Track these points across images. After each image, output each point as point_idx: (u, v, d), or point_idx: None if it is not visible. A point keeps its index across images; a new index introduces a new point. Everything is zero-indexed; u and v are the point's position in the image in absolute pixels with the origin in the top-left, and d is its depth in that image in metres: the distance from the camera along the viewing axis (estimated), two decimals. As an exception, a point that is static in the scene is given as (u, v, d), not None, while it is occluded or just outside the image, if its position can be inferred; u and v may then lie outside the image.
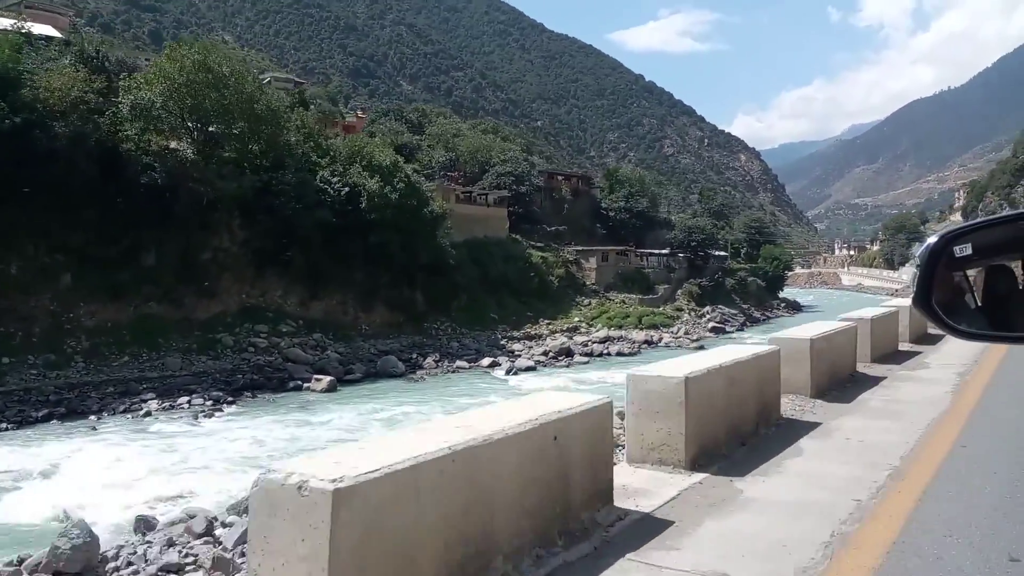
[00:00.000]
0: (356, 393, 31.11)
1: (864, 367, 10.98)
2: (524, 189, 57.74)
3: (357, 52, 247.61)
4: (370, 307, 41.10)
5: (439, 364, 37.75)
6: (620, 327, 51.87)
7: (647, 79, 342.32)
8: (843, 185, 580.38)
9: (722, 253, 73.36)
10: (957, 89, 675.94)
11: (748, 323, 64.23)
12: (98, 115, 31.98)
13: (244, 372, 32.35)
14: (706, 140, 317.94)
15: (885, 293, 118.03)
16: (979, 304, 1.60)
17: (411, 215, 41.95)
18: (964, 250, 1.53)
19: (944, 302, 1.56)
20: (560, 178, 68.14)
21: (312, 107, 72.55)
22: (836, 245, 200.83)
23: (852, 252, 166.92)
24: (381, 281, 41.28)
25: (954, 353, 12.16)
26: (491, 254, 51.35)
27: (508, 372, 36.12)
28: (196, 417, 26.09)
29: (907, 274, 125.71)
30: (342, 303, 40.11)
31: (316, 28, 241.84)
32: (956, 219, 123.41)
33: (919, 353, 12.77)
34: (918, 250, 1.61)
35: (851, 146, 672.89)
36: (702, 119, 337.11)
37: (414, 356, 38.36)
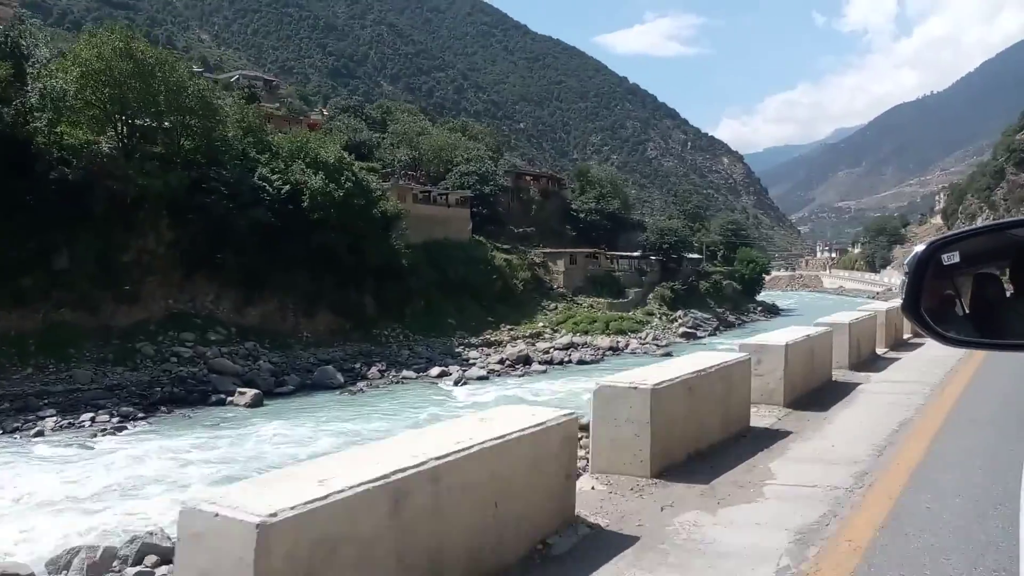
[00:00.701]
0: (283, 408, 28.55)
1: (841, 374, 10.78)
2: (488, 189, 55.31)
3: (337, 52, 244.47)
4: (313, 313, 38.53)
5: (384, 374, 35.25)
6: (586, 332, 49.59)
7: (631, 81, 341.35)
8: (827, 188, 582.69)
9: (696, 256, 71.30)
10: (940, 94, 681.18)
11: (722, 327, 62.10)
12: (2, 104, 29.24)
13: (163, 385, 29.68)
14: (689, 143, 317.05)
15: (866, 296, 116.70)
16: (967, 311, 1.60)
17: (359, 215, 39.44)
18: (952, 258, 1.53)
19: (933, 309, 1.56)
20: (529, 178, 65.79)
21: (280, 104, 70.11)
22: (818, 248, 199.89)
23: (834, 255, 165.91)
24: (325, 285, 38.72)
25: (931, 360, 11.91)
26: (451, 256, 48.88)
27: (457, 383, 33.67)
28: (95, 436, 23.52)
29: (888, 277, 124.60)
30: (281, 309, 37.52)
31: (295, 27, 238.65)
32: (936, 222, 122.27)
33: (897, 359, 12.52)
34: (907, 258, 1.59)
35: (835, 150, 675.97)
36: (686, 122, 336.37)
37: (358, 366, 35.81)
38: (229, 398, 29.03)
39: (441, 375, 34.98)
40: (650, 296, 61.50)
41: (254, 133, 38.96)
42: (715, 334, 58.16)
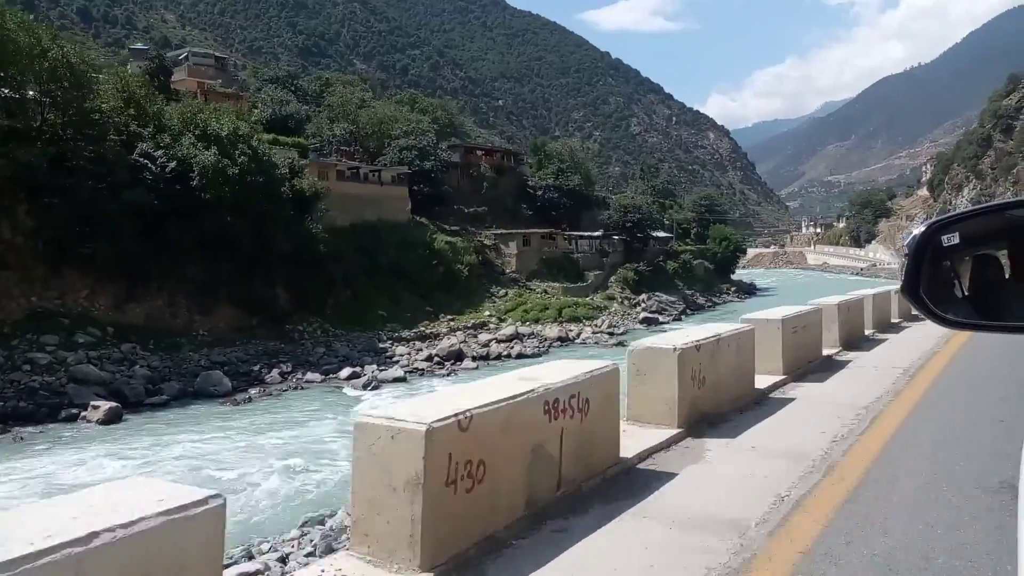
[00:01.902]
0: (143, 424, 24.09)
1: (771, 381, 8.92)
2: (430, 165, 50.46)
3: (307, 30, 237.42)
4: (210, 308, 33.89)
5: (287, 378, 30.76)
6: (537, 321, 45.21)
7: (614, 56, 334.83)
8: (816, 163, 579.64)
9: (665, 234, 66.88)
10: (927, 65, 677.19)
11: (689, 311, 57.88)
12: None
13: (7, 398, 25.08)
14: (674, 118, 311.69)
15: (851, 272, 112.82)
16: (966, 293, 1.59)
17: (263, 194, 34.67)
18: (951, 240, 1.53)
19: (932, 291, 1.56)
20: (480, 153, 60.83)
21: (233, 83, 64.44)
22: (804, 223, 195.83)
23: (819, 230, 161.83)
24: (224, 275, 34.06)
25: (884, 361, 10.74)
26: (383, 240, 44.23)
27: (366, 386, 29.17)
28: None
29: (873, 252, 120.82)
30: (171, 304, 32.85)
31: (264, 5, 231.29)
32: (923, 194, 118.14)
33: (848, 362, 10.73)
34: (906, 240, 1.61)
35: (824, 124, 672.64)
36: (670, 97, 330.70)
37: (258, 368, 31.30)
38: (83, 412, 24.54)
39: (352, 377, 30.48)
40: (612, 279, 57.10)
41: (137, 104, 33.98)
42: (680, 318, 53.88)
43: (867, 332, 14.10)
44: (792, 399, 8.26)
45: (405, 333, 39.52)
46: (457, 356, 35.38)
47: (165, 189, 32.34)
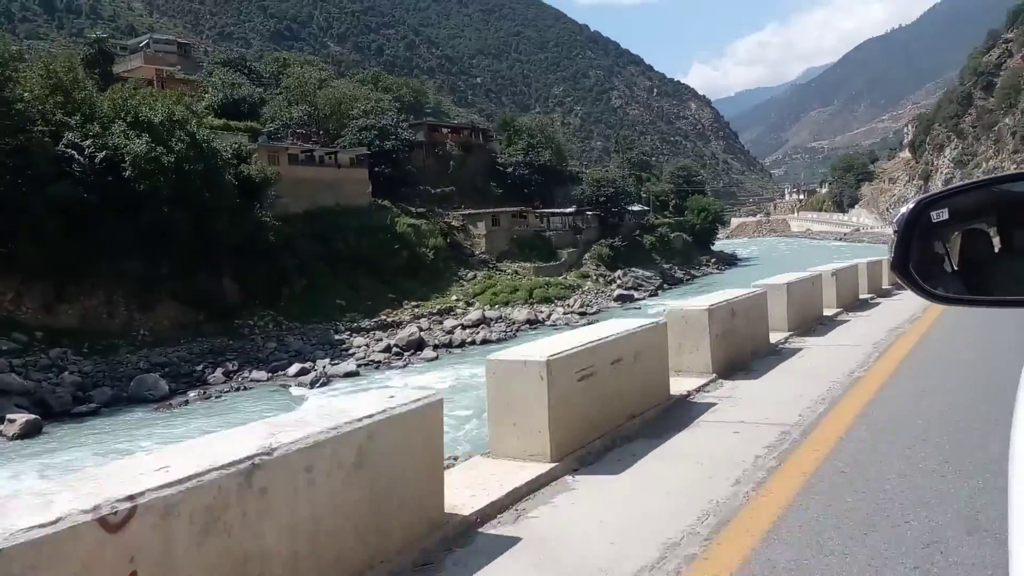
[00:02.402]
0: (68, 435, 22.43)
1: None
2: (391, 145, 48.32)
3: (279, 14, 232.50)
4: (151, 305, 32.00)
5: (232, 377, 29.04)
6: (507, 304, 43.54)
7: (592, 29, 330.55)
8: (800, 129, 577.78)
9: (641, 207, 65.12)
10: (908, 27, 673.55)
11: (666, 285, 56.37)
12: None
13: (-87, 417, 23.22)
14: (655, 90, 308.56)
15: (834, 238, 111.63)
16: (955, 268, 1.61)
17: (203, 183, 32.65)
18: (940, 215, 1.54)
19: (921, 267, 1.57)
20: (446, 131, 58.60)
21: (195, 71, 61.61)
22: (787, 190, 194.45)
23: (801, 196, 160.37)
24: (165, 270, 32.15)
25: (851, 338, 10.01)
26: (341, 226, 42.32)
27: (314, 383, 27.46)
28: None
29: (856, 216, 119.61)
30: (108, 303, 30.95)
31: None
32: (905, 155, 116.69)
33: (799, 349, 9.36)
34: (895, 216, 1.61)
35: (806, 90, 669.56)
36: (651, 68, 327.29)
37: (201, 368, 29.53)
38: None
39: (300, 374, 28.73)
40: (586, 256, 55.42)
41: (65, 92, 31.76)
42: (656, 294, 52.39)
43: (827, 312, 12.43)
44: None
45: (365, 323, 37.75)
46: (417, 345, 33.68)
47: (96, 182, 30.33)
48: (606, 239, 57.57)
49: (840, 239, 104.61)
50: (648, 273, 56.26)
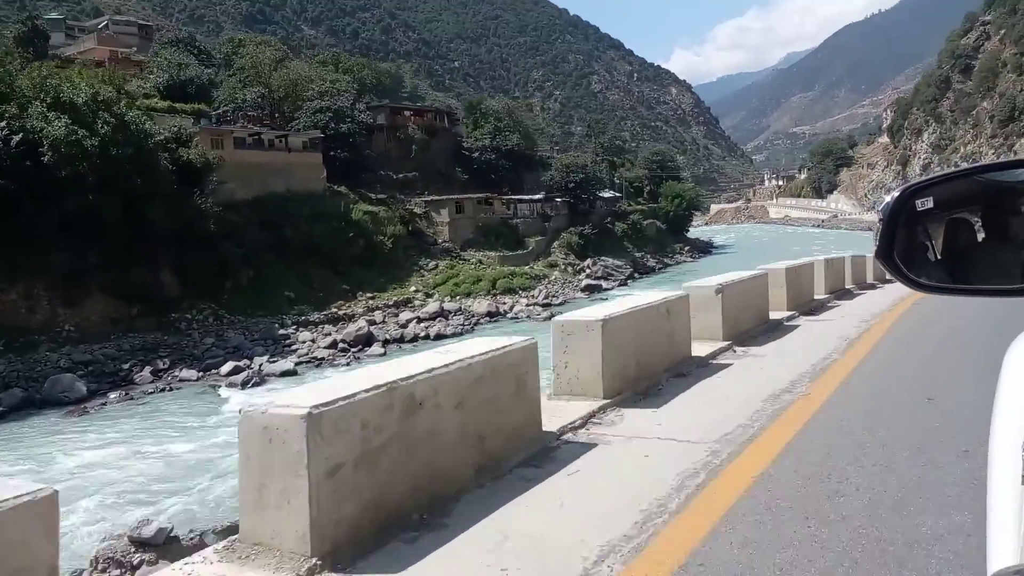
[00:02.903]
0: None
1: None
2: (347, 128, 46.08)
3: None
4: (78, 299, 29.81)
5: (161, 376, 27.04)
6: (468, 295, 41.72)
7: (572, 13, 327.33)
8: (781, 115, 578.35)
9: (613, 194, 63.37)
10: (888, 12, 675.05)
11: (638, 274, 54.83)
12: None
13: None
14: (635, 75, 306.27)
15: (812, 224, 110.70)
16: (939, 257, 1.62)
17: (135, 168, 30.42)
18: (925, 204, 1.54)
19: (905, 255, 1.56)
20: (408, 114, 56.30)
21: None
22: (766, 176, 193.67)
23: (781, 182, 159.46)
24: (93, 262, 29.95)
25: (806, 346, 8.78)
26: (292, 213, 40.18)
27: (246, 383, 25.51)
28: None
29: (834, 203, 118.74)
30: (27, 297, 28.72)
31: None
32: (883, 140, 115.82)
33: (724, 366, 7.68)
34: (880, 204, 1.62)
35: (787, 75, 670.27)
36: (631, 53, 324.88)
37: (128, 366, 27.47)
38: None
39: (233, 372, 26.75)
40: (555, 244, 53.65)
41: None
42: (626, 283, 50.76)
43: (775, 316, 10.66)
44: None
45: (314, 316, 35.76)
46: (365, 341, 31.78)
47: (13, 167, 27.98)
48: (576, 227, 55.82)
49: (818, 226, 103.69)
50: (619, 262, 54.62)
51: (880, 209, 1.59)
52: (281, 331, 33.23)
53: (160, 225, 31.64)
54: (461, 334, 34.06)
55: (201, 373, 27.22)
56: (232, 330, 32.54)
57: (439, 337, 33.19)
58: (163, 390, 25.57)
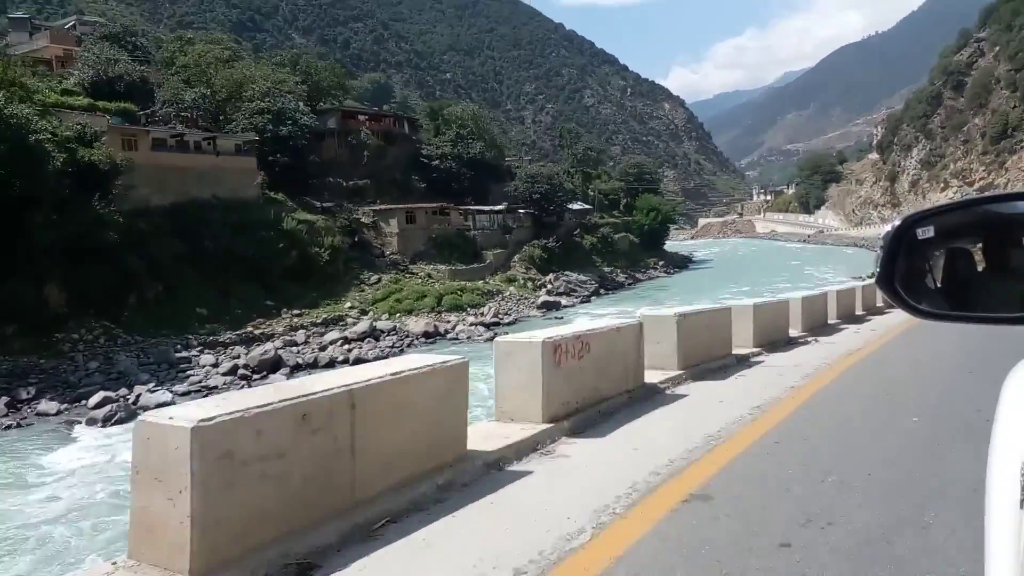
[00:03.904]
0: None
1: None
2: (287, 131, 42.71)
3: (242, 3, 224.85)
4: (-62, 317, 26.23)
5: (20, 408, 23.39)
6: (410, 312, 38.23)
7: (567, 27, 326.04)
8: (775, 132, 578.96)
9: (583, 206, 60.05)
10: (885, 33, 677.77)
11: (604, 290, 51.38)
12: None
13: None
14: (629, 90, 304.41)
15: (797, 240, 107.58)
16: (938, 285, 1.65)
17: (13, 170, 26.92)
18: (926, 232, 1.57)
19: (906, 283, 1.60)
20: (364, 118, 52.95)
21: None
22: (755, 191, 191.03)
23: (768, 197, 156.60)
24: (-43, 274, 26.43)
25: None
26: (214, 222, 36.74)
27: (108, 420, 21.88)
28: None
29: (822, 218, 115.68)
30: None
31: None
32: (873, 157, 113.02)
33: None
34: (882, 232, 1.67)
35: (783, 93, 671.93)
36: (625, 68, 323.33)
37: (-20, 398, 23.79)
38: None
39: (101, 404, 23.13)
40: (516, 258, 50.22)
41: None
42: (589, 300, 47.32)
43: (739, 351, 9.96)
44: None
45: (227, 335, 32.19)
46: (272, 366, 28.21)
47: None
48: (540, 240, 52.41)
49: (803, 241, 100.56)
50: (584, 277, 51.18)
51: (882, 237, 1.62)
52: (184, 353, 29.64)
53: (41, 235, 28.14)
54: (384, 358, 30.52)
55: (66, 405, 23.57)
56: (125, 352, 28.92)
57: (359, 362, 29.63)
58: (9, 427, 21.90)
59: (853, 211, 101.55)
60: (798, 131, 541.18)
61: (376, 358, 29.97)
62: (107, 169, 31.94)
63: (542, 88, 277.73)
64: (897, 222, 1.58)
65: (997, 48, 79.73)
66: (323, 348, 31.31)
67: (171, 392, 24.66)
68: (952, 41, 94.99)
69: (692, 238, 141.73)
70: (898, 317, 15.66)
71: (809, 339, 12.39)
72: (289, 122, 42.96)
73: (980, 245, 1.60)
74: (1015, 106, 71.73)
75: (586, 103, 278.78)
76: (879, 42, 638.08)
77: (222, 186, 38.66)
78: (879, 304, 17.51)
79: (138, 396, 23.90)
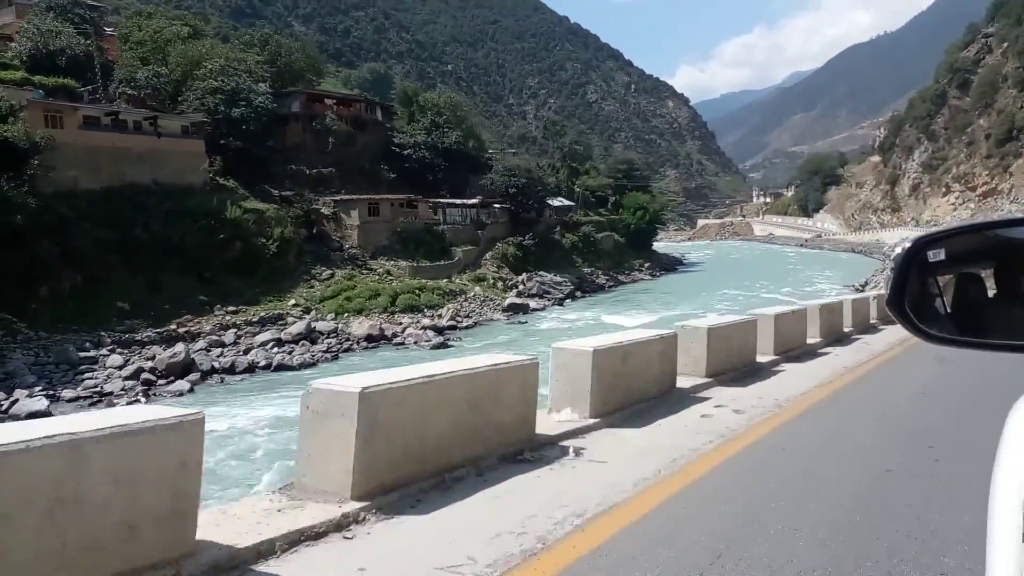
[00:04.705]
0: None
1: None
2: (240, 112, 39.75)
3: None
4: None
5: None
6: (361, 312, 35.38)
7: (572, 21, 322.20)
8: (781, 133, 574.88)
9: (565, 202, 57.08)
10: (893, 34, 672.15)
11: (581, 292, 48.44)
12: None
13: None
14: (633, 86, 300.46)
15: (794, 243, 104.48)
16: (948, 310, 1.63)
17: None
18: (937, 255, 1.57)
19: (916, 306, 1.59)
20: (331, 102, 49.85)
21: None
22: (755, 193, 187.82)
23: (768, 199, 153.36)
24: None
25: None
26: (149, 208, 33.92)
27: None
28: None
29: (820, 222, 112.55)
30: None
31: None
32: (875, 159, 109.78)
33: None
34: (892, 253, 1.66)
35: (789, 94, 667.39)
36: (630, 63, 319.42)
37: None
38: None
39: (-34, 411, 20.33)
40: (488, 255, 47.32)
41: None
42: (563, 303, 44.40)
43: (684, 384, 8.23)
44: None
45: (147, 333, 29.32)
46: (183, 370, 25.34)
47: None
48: (516, 237, 49.48)
49: (800, 245, 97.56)
50: (560, 278, 48.22)
51: (892, 258, 1.59)
52: (92, 352, 26.78)
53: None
54: (314, 364, 27.72)
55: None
56: (23, 350, 26.08)
57: (281, 368, 26.84)
58: None
59: (852, 215, 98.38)
60: (804, 133, 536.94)
61: (302, 364, 27.22)
62: (25, 147, 29.12)
63: (545, 82, 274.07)
64: (908, 244, 1.54)
65: (1005, 44, 76.32)
66: (247, 351, 28.43)
67: (57, 399, 21.88)
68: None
69: (690, 239, 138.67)
70: (889, 338, 13.19)
71: (782, 366, 10.65)
72: (243, 103, 40.00)
73: (991, 270, 1.55)
74: (1022, 106, 68.50)
75: (589, 99, 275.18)
76: (887, 42, 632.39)
77: (164, 170, 35.81)
78: (873, 320, 15.86)
79: (14, 402, 21.09)
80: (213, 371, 25.85)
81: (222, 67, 41.43)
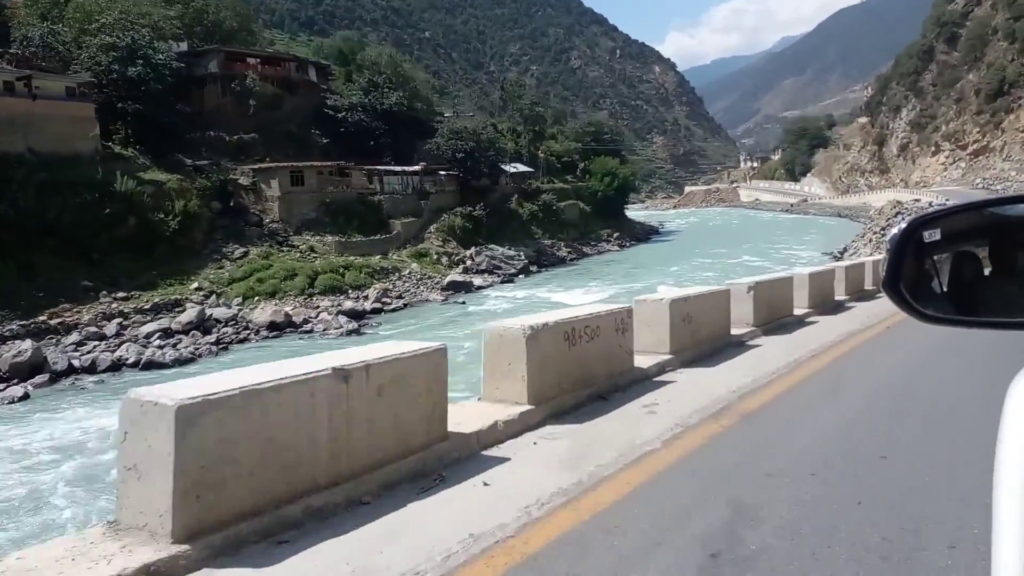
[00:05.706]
0: None
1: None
2: (136, 73, 35.21)
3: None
4: None
5: None
6: (274, 294, 31.36)
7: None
8: (772, 98, 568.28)
9: (524, 169, 52.79)
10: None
11: (538, 267, 44.45)
12: None
13: None
14: (618, 51, 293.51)
15: (780, 209, 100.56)
16: (945, 289, 1.63)
17: None
18: (933, 235, 1.56)
19: (912, 287, 1.58)
20: (254, 61, 45.09)
21: None
22: (741, 158, 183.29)
23: (755, 164, 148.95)
24: None
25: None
26: (18, 181, 29.58)
27: None
28: None
29: (807, 186, 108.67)
30: None
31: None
32: (863, 120, 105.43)
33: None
34: (888, 235, 1.66)
35: (780, 58, 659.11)
36: (615, 29, 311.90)
37: None
38: None
39: None
40: (433, 228, 43.17)
41: None
42: (512, 280, 40.41)
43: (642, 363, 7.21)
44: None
45: (12, 326, 25.23)
46: (32, 370, 21.32)
47: None
48: (465, 207, 45.29)
49: (786, 210, 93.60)
50: (513, 252, 44.16)
51: (888, 239, 1.59)
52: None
53: None
54: (194, 359, 23.71)
55: None
56: None
57: (151, 365, 22.82)
58: None
59: (840, 178, 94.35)
60: (795, 98, 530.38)
61: (178, 360, 23.22)
62: None
63: (527, 49, 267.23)
64: (903, 225, 1.54)
65: (996, -5, 71.95)
66: (117, 348, 24.35)
67: None
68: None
69: (675, 207, 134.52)
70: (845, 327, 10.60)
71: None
72: (140, 62, 35.44)
73: (987, 248, 1.56)
74: (1013, 59, 64.24)
75: (572, 65, 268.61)
76: (878, 4, 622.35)
77: (42, 137, 31.39)
78: (840, 296, 13.67)
79: None
80: (71, 370, 21.86)
81: (117, 20, 36.73)
